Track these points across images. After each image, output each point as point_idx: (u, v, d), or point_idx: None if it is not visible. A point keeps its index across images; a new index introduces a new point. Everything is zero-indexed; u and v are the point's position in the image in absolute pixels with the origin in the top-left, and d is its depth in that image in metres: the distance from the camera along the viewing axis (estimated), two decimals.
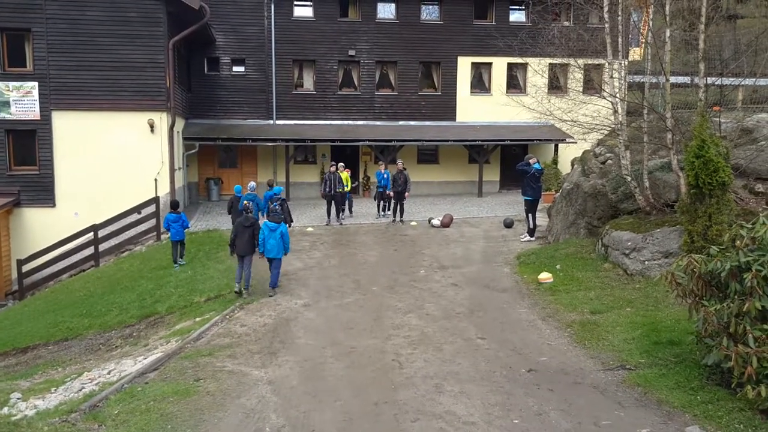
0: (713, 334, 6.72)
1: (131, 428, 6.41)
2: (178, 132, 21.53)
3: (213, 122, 25.25)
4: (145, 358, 9.34)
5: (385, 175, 20.18)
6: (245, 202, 13.84)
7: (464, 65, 27.24)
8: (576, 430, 6.15)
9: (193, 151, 23.48)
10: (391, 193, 19.95)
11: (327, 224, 19.54)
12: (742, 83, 13.34)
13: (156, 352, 9.64)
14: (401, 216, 19.86)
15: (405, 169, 19.95)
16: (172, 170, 20.18)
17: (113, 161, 19.41)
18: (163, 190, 19.83)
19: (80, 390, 8.38)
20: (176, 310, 12.02)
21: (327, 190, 19.21)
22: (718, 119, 12.62)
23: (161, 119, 19.77)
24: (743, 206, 11.51)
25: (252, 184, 16.53)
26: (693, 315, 7.14)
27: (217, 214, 22.01)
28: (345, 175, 19.94)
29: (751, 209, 11.25)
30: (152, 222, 18.88)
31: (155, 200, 18.96)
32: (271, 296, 12.02)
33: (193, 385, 7.64)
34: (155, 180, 19.78)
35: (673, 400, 6.67)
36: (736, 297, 6.50)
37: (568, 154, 25.41)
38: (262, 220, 13.00)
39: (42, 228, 19.05)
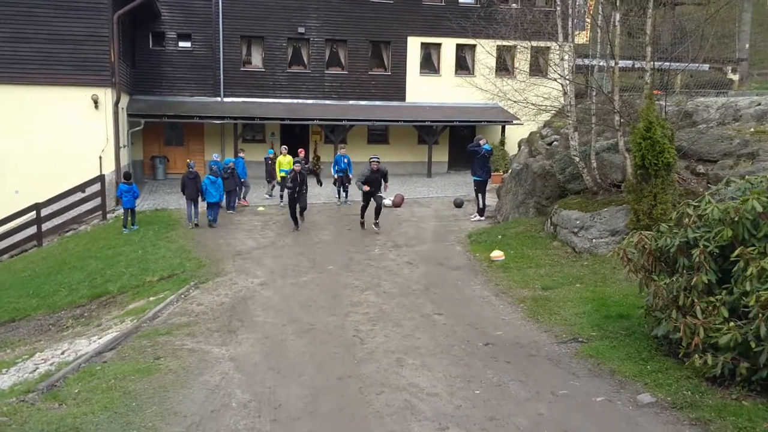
0: (662, 307, 7.06)
1: (94, 406, 6.33)
2: (122, 108, 20.94)
3: (158, 99, 24.62)
4: (99, 338, 9.18)
5: (345, 159, 19.74)
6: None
7: (414, 45, 27.29)
8: (535, 400, 6.40)
9: (138, 128, 22.84)
10: (352, 176, 19.45)
11: (281, 204, 19.24)
12: (687, 68, 13.86)
13: (111, 331, 9.47)
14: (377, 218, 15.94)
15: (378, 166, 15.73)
16: (117, 148, 19.65)
17: (55, 138, 18.72)
18: (108, 168, 19.30)
19: (35, 370, 8.19)
20: (129, 290, 11.82)
21: (291, 190, 15.81)
22: (662, 102, 13.08)
23: (105, 95, 19.17)
24: (685, 186, 12.02)
25: (216, 154, 19.83)
26: (643, 289, 7.49)
27: (164, 193, 21.59)
28: (289, 159, 19.34)
29: (693, 189, 11.76)
30: (97, 201, 18.40)
31: (100, 178, 18.45)
32: (212, 227, 16.23)
33: (153, 364, 7.58)
34: (100, 158, 19.21)
35: (625, 370, 6.99)
36: (684, 272, 6.84)
37: (514, 135, 25.86)
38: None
39: None
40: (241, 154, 20.37)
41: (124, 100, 21.47)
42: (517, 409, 6.17)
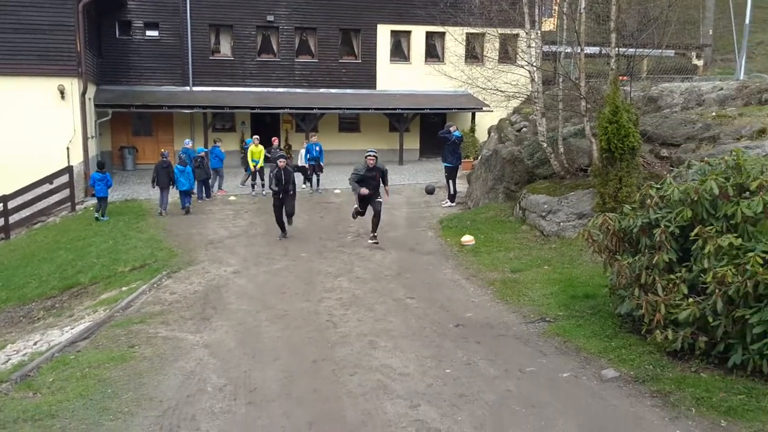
0: (626, 285, 7.30)
1: (69, 394, 6.37)
2: (89, 99, 20.67)
3: (126, 89, 24.35)
4: (72, 329, 9.16)
5: (317, 148, 19.66)
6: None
7: (384, 33, 27.34)
8: (503, 377, 6.59)
9: (106, 118, 22.59)
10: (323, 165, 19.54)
11: (253, 195, 19.24)
12: (652, 54, 14.15)
13: (83, 322, 9.45)
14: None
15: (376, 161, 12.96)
16: (85, 139, 19.45)
17: (21, 129, 18.48)
18: (76, 160, 19.10)
19: (6, 361, 8.16)
20: (100, 281, 11.77)
21: (276, 192, 13.52)
22: (628, 88, 13.36)
23: (72, 85, 18.94)
24: (650, 170, 12.32)
25: (188, 141, 19.71)
26: (607, 269, 7.73)
27: (133, 184, 21.42)
28: (260, 149, 19.33)
29: (657, 172, 12.06)
30: (66, 192, 18.19)
31: (68, 170, 18.24)
32: (184, 214, 16.47)
33: (128, 352, 7.61)
34: (67, 149, 19.00)
35: (590, 347, 7.22)
36: (646, 251, 7.08)
37: (484, 122, 26.12)
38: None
39: None
40: (218, 144, 20.27)
41: (91, 90, 21.19)
42: (486, 386, 6.36)
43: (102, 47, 24.15)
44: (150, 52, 25.03)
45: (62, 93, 18.72)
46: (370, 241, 13.09)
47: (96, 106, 22.11)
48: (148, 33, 24.97)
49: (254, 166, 19.21)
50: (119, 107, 22.80)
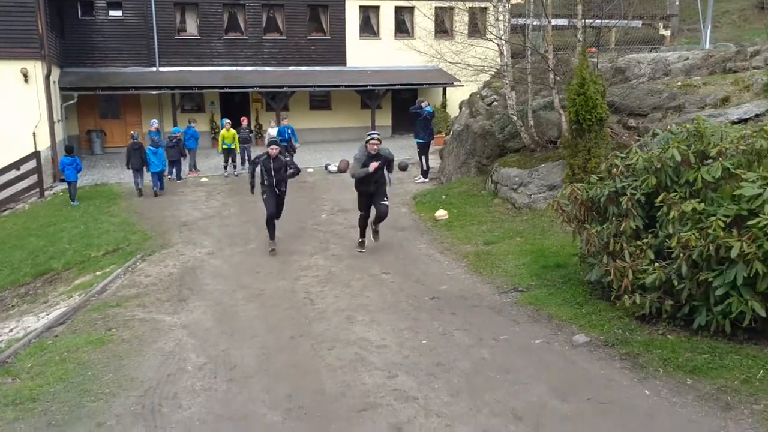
0: (594, 253, 7.49)
1: (49, 378, 6.39)
2: (54, 82, 20.31)
3: (91, 71, 23.91)
4: (48, 314, 9.15)
5: (289, 130, 19.41)
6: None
7: (352, 8, 27.13)
8: (478, 345, 6.76)
9: (72, 101, 22.22)
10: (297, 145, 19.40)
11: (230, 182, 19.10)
12: (618, 24, 14.30)
13: (59, 307, 9.44)
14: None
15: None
16: (52, 123, 19.15)
17: None
18: (43, 145, 18.83)
19: None
20: (73, 266, 11.70)
21: (269, 186, 11.06)
22: (594, 60, 13.51)
23: (35, 68, 18.61)
24: (617, 140, 12.53)
25: (154, 121, 19.29)
26: (576, 238, 7.92)
27: (103, 168, 21.17)
28: (232, 133, 19.04)
29: (624, 143, 12.26)
30: (34, 178, 17.94)
31: (35, 155, 17.96)
32: (156, 195, 16.51)
33: (106, 335, 7.63)
34: (33, 134, 18.70)
35: (561, 314, 7.42)
36: (613, 219, 7.26)
37: (455, 97, 26.16)
38: None
39: None
40: (192, 125, 20.07)
41: (55, 72, 20.82)
42: (462, 355, 6.52)
43: (64, 28, 23.64)
44: (114, 33, 24.56)
45: (26, 76, 18.38)
46: (373, 238, 10.90)
47: (61, 89, 21.72)
48: (112, 13, 24.48)
49: (225, 149, 19.02)
50: (85, 90, 22.42)
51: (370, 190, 10.44)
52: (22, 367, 6.89)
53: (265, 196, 11.13)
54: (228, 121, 19.46)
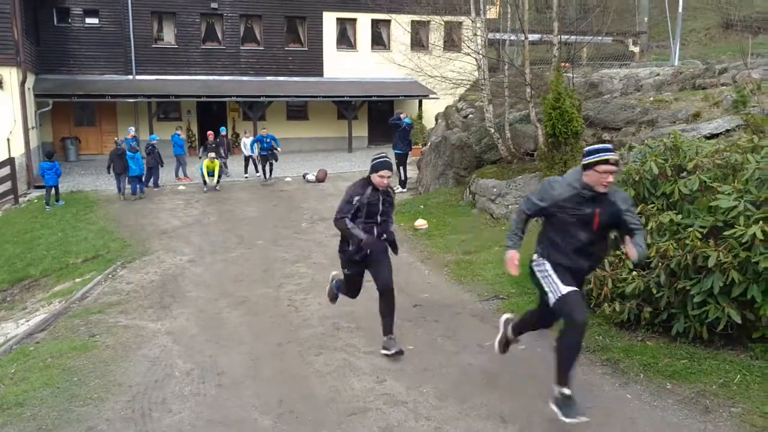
0: None
1: (34, 384, 6.36)
2: (29, 88, 20.10)
3: (67, 78, 23.74)
4: (28, 321, 9.08)
5: (268, 139, 19.42)
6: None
7: (329, 21, 27.36)
8: (463, 352, 6.90)
9: (47, 108, 22.00)
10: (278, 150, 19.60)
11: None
12: (592, 41, 14.68)
13: (38, 314, 9.38)
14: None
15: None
16: (26, 130, 18.95)
17: None
18: (18, 151, 18.58)
19: None
20: (52, 273, 11.61)
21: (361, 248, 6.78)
22: (569, 74, 13.86)
23: (11, 75, 18.43)
24: None
25: (131, 128, 19.82)
26: None
27: (78, 175, 20.97)
28: (216, 163, 18.53)
29: None
30: (8, 185, 17.72)
31: (10, 161, 17.75)
32: (135, 198, 17.11)
33: (89, 341, 7.61)
34: (8, 140, 18.47)
35: None
36: None
37: (431, 109, 26.48)
38: None
39: None
40: (178, 131, 20.46)
41: (30, 79, 20.59)
42: (448, 361, 6.65)
43: (40, 35, 23.45)
44: (90, 40, 24.44)
45: (1, 83, 18.16)
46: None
47: (36, 96, 21.50)
48: (88, 20, 24.36)
49: (207, 176, 18.64)
50: (60, 97, 22.22)
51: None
52: (5, 373, 6.84)
53: (348, 268, 6.97)
54: (212, 155, 18.64)
